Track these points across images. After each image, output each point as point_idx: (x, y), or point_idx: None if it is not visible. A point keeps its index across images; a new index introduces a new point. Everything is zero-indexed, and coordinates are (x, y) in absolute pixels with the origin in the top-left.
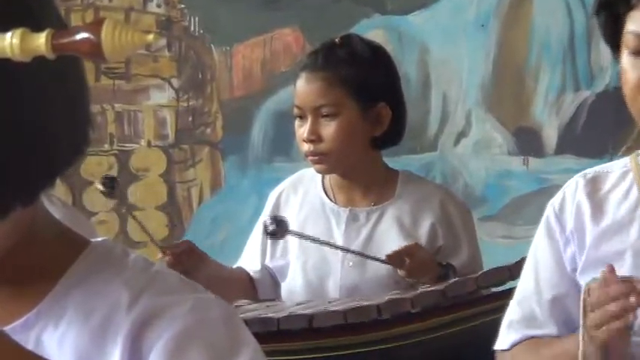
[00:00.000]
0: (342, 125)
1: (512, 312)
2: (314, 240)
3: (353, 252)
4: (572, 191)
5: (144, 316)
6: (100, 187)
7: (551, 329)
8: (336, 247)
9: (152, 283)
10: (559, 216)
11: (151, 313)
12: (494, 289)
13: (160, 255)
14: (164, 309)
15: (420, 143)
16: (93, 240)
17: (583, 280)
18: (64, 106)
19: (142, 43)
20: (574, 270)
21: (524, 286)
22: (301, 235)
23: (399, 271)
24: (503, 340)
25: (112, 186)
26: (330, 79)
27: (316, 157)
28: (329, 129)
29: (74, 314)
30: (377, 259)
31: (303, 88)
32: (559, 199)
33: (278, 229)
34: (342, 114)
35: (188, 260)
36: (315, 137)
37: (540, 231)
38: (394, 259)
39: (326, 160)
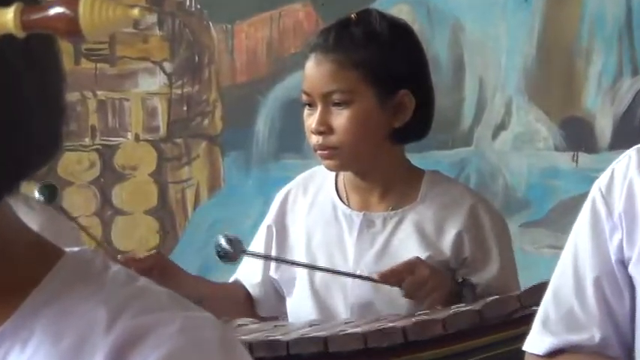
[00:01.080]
0: (356, 114)
1: (548, 307)
2: (293, 263)
3: (341, 273)
4: (623, 168)
5: (125, 337)
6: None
7: (593, 332)
8: (320, 269)
9: (135, 299)
10: (606, 197)
11: (133, 333)
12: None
13: None
14: (149, 329)
15: (452, 137)
16: (68, 250)
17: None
18: (36, 94)
19: (126, 20)
20: (619, 261)
21: (560, 277)
22: (268, 257)
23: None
24: (538, 342)
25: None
26: (343, 61)
27: (325, 152)
28: (340, 119)
29: (43, 336)
30: (368, 279)
31: (312, 71)
32: (606, 178)
33: (231, 250)
34: (355, 102)
35: (158, 278)
36: (324, 128)
37: (583, 215)
38: (388, 278)
39: (337, 155)
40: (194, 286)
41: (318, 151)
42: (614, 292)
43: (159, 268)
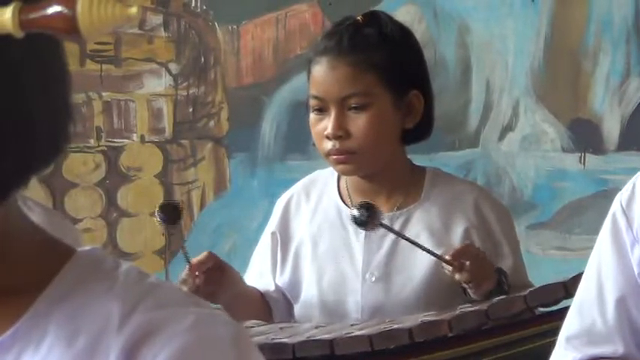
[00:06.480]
0: (374, 118)
1: (571, 324)
2: (417, 244)
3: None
4: None
5: (138, 333)
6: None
7: (616, 345)
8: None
9: (147, 295)
10: (626, 211)
11: (146, 329)
12: (545, 310)
13: (185, 273)
14: (161, 324)
15: (458, 138)
16: (79, 249)
17: None
18: (41, 93)
19: (124, 18)
20: None
21: (584, 292)
22: (398, 234)
23: (456, 275)
24: (562, 357)
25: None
26: (361, 64)
27: (342, 156)
28: (358, 122)
29: (56, 336)
30: (439, 257)
31: (326, 75)
32: (628, 191)
33: (369, 218)
34: (373, 104)
35: (219, 276)
36: (342, 133)
37: (605, 228)
38: (455, 259)
39: (355, 160)
40: (242, 284)
41: (333, 157)
42: (636, 304)
43: (217, 266)
